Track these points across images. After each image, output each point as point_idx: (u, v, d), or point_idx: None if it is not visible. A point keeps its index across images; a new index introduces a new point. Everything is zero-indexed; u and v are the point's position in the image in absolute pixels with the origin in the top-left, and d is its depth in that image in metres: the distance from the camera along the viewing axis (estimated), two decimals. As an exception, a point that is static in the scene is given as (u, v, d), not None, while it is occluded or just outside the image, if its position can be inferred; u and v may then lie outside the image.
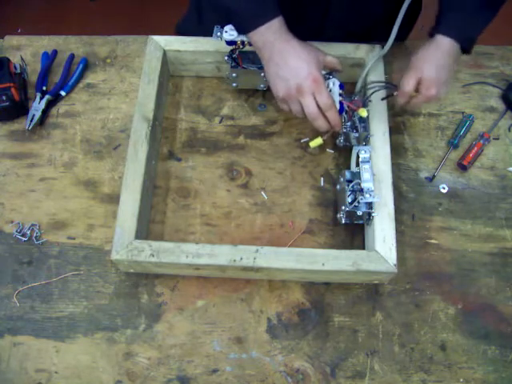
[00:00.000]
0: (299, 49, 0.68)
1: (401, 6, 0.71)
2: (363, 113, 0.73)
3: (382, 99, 0.76)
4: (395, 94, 0.73)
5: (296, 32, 0.70)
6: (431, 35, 0.72)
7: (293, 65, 0.67)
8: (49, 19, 2.08)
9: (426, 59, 0.70)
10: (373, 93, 0.76)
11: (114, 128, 0.84)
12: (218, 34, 0.75)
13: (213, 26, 0.77)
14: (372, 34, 0.85)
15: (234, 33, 0.74)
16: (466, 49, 0.71)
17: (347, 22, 0.84)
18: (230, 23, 0.74)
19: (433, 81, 0.69)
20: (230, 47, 0.77)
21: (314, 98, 0.68)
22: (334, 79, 0.74)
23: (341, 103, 0.72)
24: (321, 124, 0.70)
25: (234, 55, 0.79)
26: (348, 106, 0.74)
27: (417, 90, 0.70)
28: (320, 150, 0.82)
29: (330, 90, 0.73)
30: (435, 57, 0.69)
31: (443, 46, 0.70)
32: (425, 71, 0.69)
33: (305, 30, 0.71)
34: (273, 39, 0.68)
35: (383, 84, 0.75)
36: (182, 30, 0.96)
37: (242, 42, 0.75)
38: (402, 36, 0.91)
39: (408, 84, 0.70)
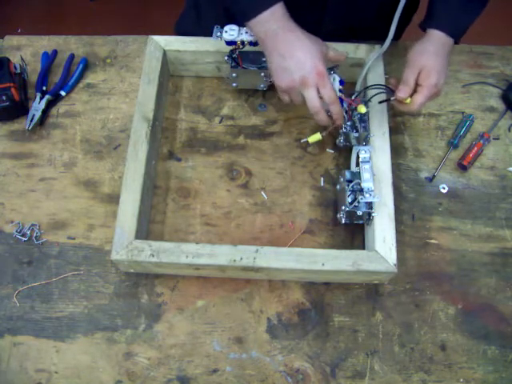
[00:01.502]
0: (304, 39, 0.67)
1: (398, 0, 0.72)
2: (362, 109, 0.72)
3: (380, 102, 0.76)
4: (392, 99, 0.72)
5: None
6: (422, 28, 0.74)
7: (297, 56, 0.67)
8: (49, 19, 2.08)
9: (421, 52, 0.71)
10: (373, 96, 0.75)
11: (114, 128, 0.84)
12: (218, 34, 0.75)
13: (211, 23, 0.76)
14: (371, 31, 0.85)
15: (234, 33, 0.74)
16: (456, 40, 0.73)
17: (346, 16, 0.84)
18: (229, 18, 0.74)
19: (431, 68, 0.69)
20: (230, 47, 0.77)
21: (318, 92, 0.68)
22: (334, 75, 0.74)
23: (340, 99, 0.72)
24: (322, 118, 0.70)
25: (234, 55, 0.79)
26: (349, 104, 0.74)
27: (415, 90, 0.71)
28: (320, 150, 0.82)
29: None
30: (430, 48, 0.71)
31: (436, 38, 0.71)
32: (422, 62, 0.70)
33: (304, 23, 0.71)
34: (276, 27, 0.67)
35: (384, 88, 0.75)
36: (180, 29, 0.96)
37: (242, 42, 0.75)
38: (398, 33, 0.91)
39: (408, 78, 0.70)
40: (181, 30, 0.93)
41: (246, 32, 0.74)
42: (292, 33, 0.68)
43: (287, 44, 0.67)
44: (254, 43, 0.75)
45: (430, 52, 0.70)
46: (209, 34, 0.77)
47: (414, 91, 0.71)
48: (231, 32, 0.74)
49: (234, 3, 0.70)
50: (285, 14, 0.68)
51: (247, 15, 0.69)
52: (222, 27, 0.75)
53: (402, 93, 0.70)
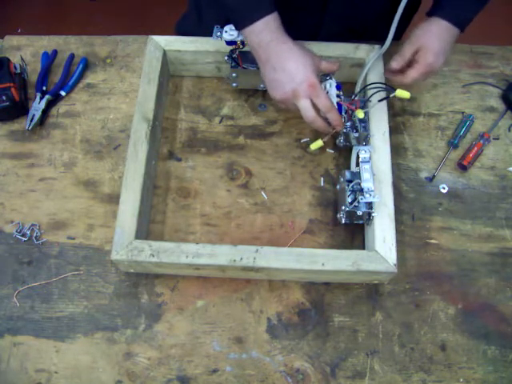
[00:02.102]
0: (296, 51, 0.68)
1: (400, 0, 0.72)
2: (360, 114, 0.73)
3: (379, 100, 0.76)
4: (391, 95, 0.73)
5: (295, 27, 0.69)
6: (429, 16, 0.75)
7: (289, 68, 0.67)
8: (49, 19, 2.08)
9: (424, 32, 0.73)
10: (372, 94, 0.75)
11: (114, 128, 0.84)
12: (218, 34, 0.76)
13: (212, 24, 0.76)
14: (372, 32, 0.84)
15: (234, 33, 0.74)
16: (461, 30, 0.74)
17: (346, 17, 0.84)
18: (230, 20, 0.74)
19: (431, 49, 0.71)
20: (230, 47, 0.77)
21: (311, 102, 0.68)
22: (330, 81, 0.73)
23: (338, 104, 0.72)
24: (319, 125, 0.70)
25: (234, 55, 0.79)
26: (347, 107, 0.74)
27: (410, 66, 0.73)
28: (320, 150, 0.82)
29: (327, 92, 0.72)
30: (433, 30, 0.73)
31: (442, 23, 0.73)
32: (423, 41, 0.72)
33: (304, 24, 0.71)
34: (269, 39, 0.67)
35: (383, 86, 0.75)
36: (181, 29, 0.96)
37: (242, 42, 0.75)
38: (399, 33, 0.92)
39: (405, 52, 0.73)
40: (181, 31, 0.93)
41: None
42: (284, 45, 0.68)
43: (279, 56, 0.67)
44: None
45: (432, 33, 0.72)
46: (209, 35, 0.77)
47: (408, 66, 0.73)
48: (231, 32, 0.74)
49: (230, 11, 0.71)
50: (279, 26, 0.68)
51: (241, 23, 0.69)
52: (222, 27, 0.75)
53: (395, 63, 0.73)
